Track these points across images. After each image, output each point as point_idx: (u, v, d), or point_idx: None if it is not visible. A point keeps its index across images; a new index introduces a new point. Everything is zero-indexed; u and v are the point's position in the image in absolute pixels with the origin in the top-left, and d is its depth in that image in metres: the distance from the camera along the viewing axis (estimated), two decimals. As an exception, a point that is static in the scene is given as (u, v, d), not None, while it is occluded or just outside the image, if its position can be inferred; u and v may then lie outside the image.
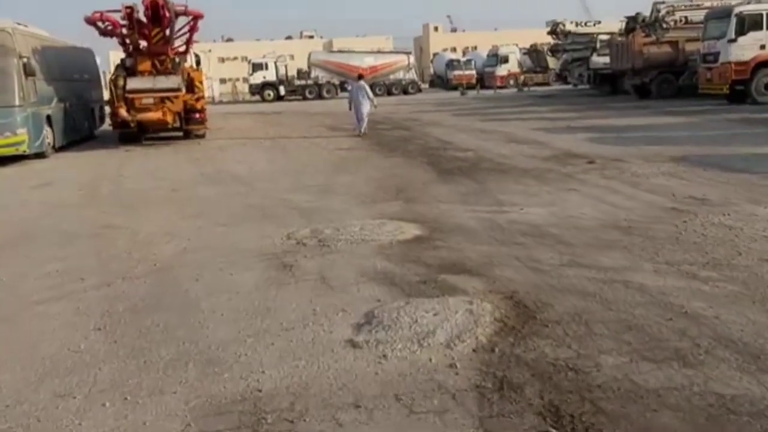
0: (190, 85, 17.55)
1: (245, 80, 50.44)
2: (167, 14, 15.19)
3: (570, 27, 34.38)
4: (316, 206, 7.81)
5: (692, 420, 2.63)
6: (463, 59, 54.90)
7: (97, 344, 3.84)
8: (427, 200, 7.81)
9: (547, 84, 46.34)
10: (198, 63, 23.58)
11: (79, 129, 18.92)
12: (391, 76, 44.98)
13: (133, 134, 17.36)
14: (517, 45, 53.74)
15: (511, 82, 47.08)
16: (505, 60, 48.94)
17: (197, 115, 17.74)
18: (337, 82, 45.31)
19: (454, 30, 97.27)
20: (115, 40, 17.24)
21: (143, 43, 16.74)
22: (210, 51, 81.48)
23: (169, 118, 16.82)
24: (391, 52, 52.71)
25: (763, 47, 19.11)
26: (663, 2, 24.43)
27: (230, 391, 3.12)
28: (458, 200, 7.69)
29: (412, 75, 46.80)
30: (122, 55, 17.77)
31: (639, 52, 25.48)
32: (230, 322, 4.04)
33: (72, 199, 9.49)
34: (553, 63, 45.93)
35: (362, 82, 17.76)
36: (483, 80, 48.26)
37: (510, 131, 16.11)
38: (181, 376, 3.33)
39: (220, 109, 37.27)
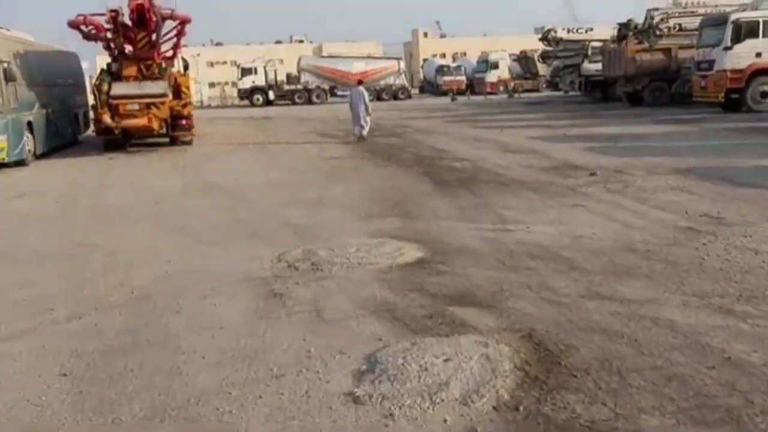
0: (177, 91, 17.04)
1: (234, 84, 49.85)
2: (153, 18, 14.72)
3: (561, 34, 34.12)
4: (309, 222, 7.35)
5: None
6: (453, 65, 54.67)
7: (61, 394, 3.36)
8: (426, 215, 7.38)
9: (537, 90, 46.18)
10: (186, 68, 23.03)
11: (62, 135, 18.32)
12: (382, 82, 44.59)
13: (117, 141, 16.82)
14: (506, 51, 53.61)
15: (502, 88, 46.89)
16: (496, 66, 48.78)
17: (184, 122, 17.22)
18: (326, 87, 44.93)
19: (443, 36, 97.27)
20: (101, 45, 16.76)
21: (128, 48, 16.23)
22: (199, 55, 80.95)
23: (155, 125, 16.30)
24: (381, 58, 52.38)
25: (759, 55, 18.87)
26: (656, 9, 24.23)
27: (212, 460, 2.66)
28: (459, 216, 7.26)
29: (402, 80, 46.46)
30: (109, 59, 17.24)
31: (632, 59, 25.25)
32: (213, 367, 3.57)
33: (48, 212, 8.96)
34: (543, 69, 45.80)
35: (361, 88, 17.67)
36: (473, 86, 48.03)
37: (505, 139, 15.74)
38: (155, 438, 2.87)
39: (208, 113, 36.71)
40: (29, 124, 15.08)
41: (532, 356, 3.44)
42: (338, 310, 4.39)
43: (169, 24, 16.41)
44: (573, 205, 7.52)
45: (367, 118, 16.97)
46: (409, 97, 45.91)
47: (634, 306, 4.15)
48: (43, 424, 3.07)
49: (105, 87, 16.00)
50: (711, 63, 19.65)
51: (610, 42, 29.60)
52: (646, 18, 24.54)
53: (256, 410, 3.05)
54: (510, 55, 51.57)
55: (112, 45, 16.01)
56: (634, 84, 25.72)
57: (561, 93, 38.78)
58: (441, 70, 52.76)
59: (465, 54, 68.73)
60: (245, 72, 45.37)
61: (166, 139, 17.70)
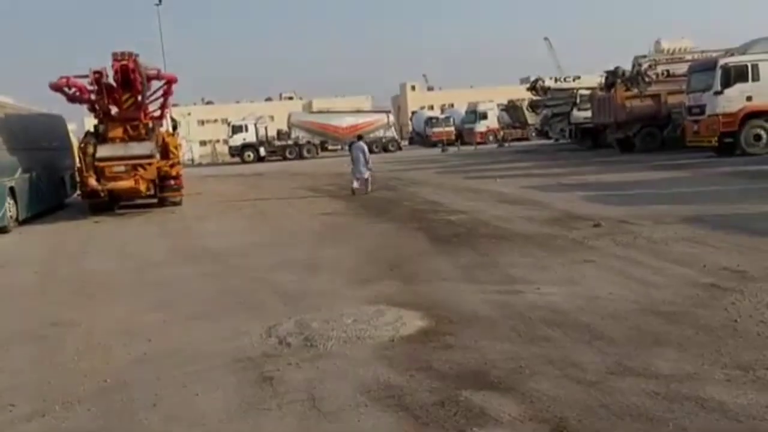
0: (165, 151, 16.74)
1: (225, 142, 49.96)
2: (139, 79, 14.51)
3: (549, 83, 34.52)
4: (301, 288, 6.85)
5: None
6: (441, 116, 55.25)
7: None
8: (427, 277, 6.90)
9: (526, 139, 46.47)
10: (175, 127, 22.93)
11: (47, 199, 17.86)
12: (372, 135, 44.69)
13: (104, 203, 16.39)
14: (493, 101, 54.26)
15: (491, 137, 47.18)
16: (484, 116, 49.25)
17: (172, 182, 16.86)
18: (317, 142, 45.05)
19: (430, 88, 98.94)
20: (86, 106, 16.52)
21: (114, 109, 16.01)
22: (189, 114, 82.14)
23: (142, 187, 15.90)
24: (370, 111, 52.91)
25: (749, 98, 18.89)
26: (644, 56, 24.46)
27: None
28: (462, 276, 6.79)
29: (392, 133, 46.73)
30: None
31: (622, 106, 25.38)
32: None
33: (24, 284, 8.42)
34: (531, 118, 46.21)
35: (361, 143, 17.87)
36: (462, 136, 48.33)
37: (500, 190, 15.42)
38: None
39: (199, 171, 36.52)
40: (11, 189, 14.64)
41: (568, 457, 2.92)
42: (336, 397, 3.85)
43: (156, 84, 16.29)
44: (583, 260, 7.07)
45: (368, 172, 17.06)
46: (400, 149, 46.08)
47: (673, 384, 3.65)
48: None
49: (90, 149, 15.68)
50: (702, 108, 19.65)
51: (598, 89, 29.84)
52: (633, 65, 24.76)
53: None
54: (498, 105, 52.16)
55: (97, 107, 15.76)
56: (625, 130, 25.78)
57: (551, 141, 38.96)
58: (430, 121, 53.26)
59: (452, 105, 69.68)
60: (236, 129, 45.56)
61: (155, 200, 17.30)
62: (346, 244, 9.47)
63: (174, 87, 16.26)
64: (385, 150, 44.53)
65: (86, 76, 14.73)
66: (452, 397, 3.71)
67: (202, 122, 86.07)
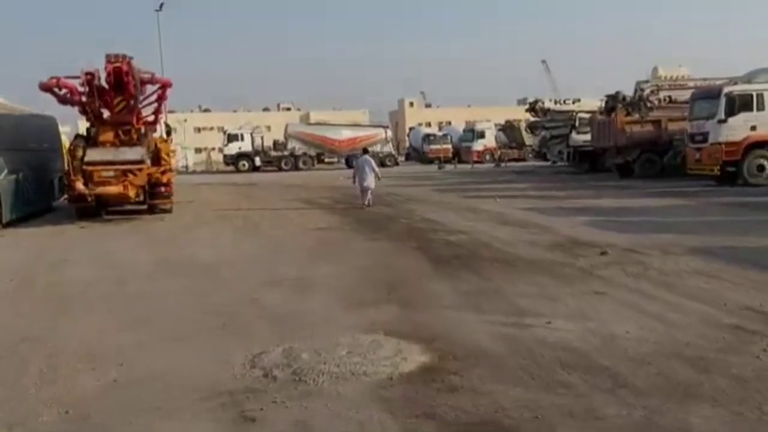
0: (157, 157, 16.27)
1: (220, 150, 49.51)
2: (132, 82, 14.08)
3: (549, 105, 34.31)
4: (291, 310, 6.37)
5: None
6: (439, 133, 55.00)
7: None
8: (428, 303, 6.44)
9: (523, 160, 46.19)
10: (169, 133, 22.45)
11: (34, 202, 17.29)
12: (370, 149, 44.35)
13: (91, 208, 15.85)
14: (490, 121, 54.14)
15: (488, 157, 46.90)
16: (482, 135, 48.96)
17: (162, 189, 16.36)
18: (313, 154, 44.68)
19: (428, 105, 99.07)
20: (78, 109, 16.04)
21: (106, 112, 15.54)
22: (186, 120, 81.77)
23: (131, 193, 15.38)
24: (368, 126, 52.65)
25: (753, 128, 18.62)
26: (646, 81, 24.26)
27: None
28: (466, 304, 6.32)
29: (389, 148, 46.38)
30: (91, 124, 16.49)
31: (622, 131, 25.09)
32: None
33: (-4, 294, 7.89)
34: (528, 139, 46.06)
35: (368, 156, 17.81)
36: (459, 154, 48.04)
37: (500, 210, 15.02)
38: None
39: (193, 179, 36.02)
40: (-6, 190, 14.12)
41: None
42: (327, 447, 3.37)
43: (151, 88, 15.85)
44: (593, 292, 6.63)
45: (373, 185, 16.99)
46: (396, 164, 45.69)
47: (716, 448, 3.20)
48: None
49: (79, 153, 15.20)
50: (705, 135, 19.36)
51: (598, 113, 29.61)
52: (636, 90, 24.54)
53: None
54: (495, 124, 52.00)
55: (88, 109, 15.29)
56: (624, 155, 25.48)
57: (548, 163, 38.68)
58: (427, 138, 52.95)
59: (450, 123, 69.64)
60: (231, 138, 45.15)
61: (145, 207, 16.78)
62: (340, 262, 9.00)
63: (168, 92, 15.83)
64: (382, 165, 43.90)
65: (78, 77, 14.27)
66: (460, 453, 3.24)
67: (198, 129, 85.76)
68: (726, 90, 18.94)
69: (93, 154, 15.22)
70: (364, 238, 11.42)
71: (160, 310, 6.64)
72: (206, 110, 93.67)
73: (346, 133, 45.49)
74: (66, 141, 22.02)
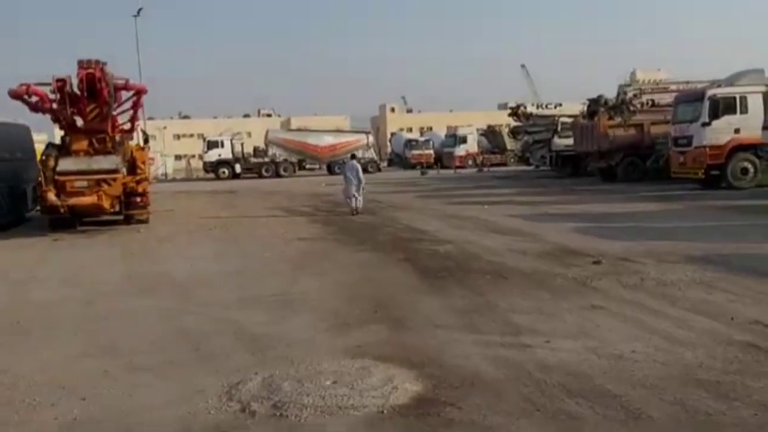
0: (133, 166, 15.73)
1: (200, 157, 48.71)
2: (105, 88, 13.55)
3: (531, 109, 34.21)
4: (271, 333, 5.94)
5: None
6: (421, 139, 54.78)
7: None
8: (418, 322, 6.04)
9: (505, 165, 46.12)
10: (146, 141, 21.88)
11: (5, 213, 16.65)
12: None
13: (65, 220, 15.25)
14: (472, 125, 54.05)
15: (470, 162, 46.76)
16: (464, 140, 48.79)
17: (138, 199, 15.83)
18: (294, 160, 44.15)
19: (409, 111, 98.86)
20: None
21: (79, 120, 14.97)
22: (165, 128, 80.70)
23: (106, 203, 14.79)
24: (350, 132, 52.24)
25: (737, 131, 18.56)
26: (629, 85, 24.18)
27: None
28: (458, 323, 5.94)
29: (371, 154, 45.98)
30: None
31: (605, 135, 25.00)
32: None
33: (-46, 316, 7.35)
34: (510, 144, 46.01)
35: (355, 162, 17.70)
36: (441, 160, 47.87)
37: (486, 217, 14.70)
38: None
39: (172, 187, 35.36)
40: (-41, 201, 13.49)
41: None
42: (312, 500, 2.96)
43: (126, 95, 15.33)
44: (591, 306, 6.29)
45: (361, 192, 16.80)
46: (379, 170, 45.33)
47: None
48: None
49: (51, 162, 14.61)
50: (689, 139, 19.29)
51: (580, 117, 29.54)
52: (618, 94, 24.45)
53: None
54: (477, 129, 51.91)
55: (61, 117, 14.71)
56: (607, 159, 25.39)
57: (530, 168, 38.60)
58: (409, 144, 52.72)
59: (431, 128, 69.47)
60: (211, 145, 44.42)
61: (121, 217, 16.21)
62: (324, 277, 8.58)
63: (144, 99, 15.32)
64: (365, 171, 43.44)
65: (48, 84, 13.70)
66: (464, 506, 2.85)
67: (178, 136, 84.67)
68: (709, 93, 18.88)
69: (65, 164, 14.65)
70: (347, 250, 11.02)
71: (129, 333, 6.17)
72: (186, 117, 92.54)
73: (328, 139, 45.03)
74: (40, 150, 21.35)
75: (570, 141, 29.59)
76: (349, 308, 6.69)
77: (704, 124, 18.71)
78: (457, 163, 45.53)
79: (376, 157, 47.21)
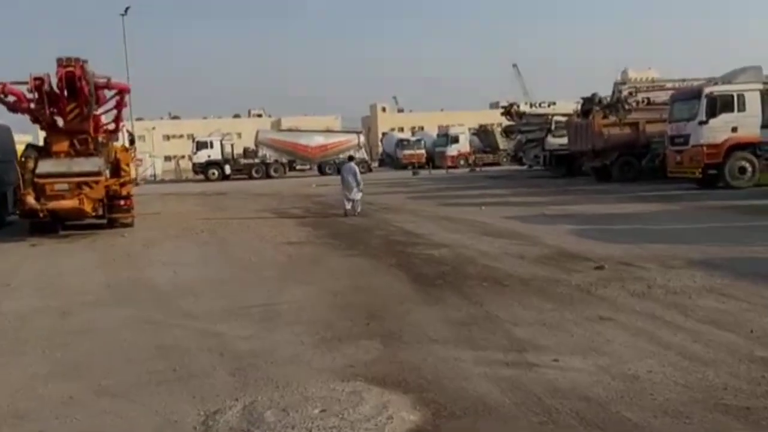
0: (116, 168, 15.22)
1: (190, 158, 48.10)
2: (86, 87, 13.03)
3: (525, 108, 33.87)
4: (255, 348, 5.50)
5: None
6: (412, 139, 54.37)
7: None
8: (413, 336, 5.61)
9: (497, 164, 45.82)
10: (132, 142, 21.37)
11: (-17, 217, 16.14)
12: (342, 155, 43.50)
13: (46, 224, 14.72)
14: (464, 125, 53.75)
15: (462, 162, 46.43)
16: (456, 140, 48.46)
17: (122, 202, 15.32)
18: (285, 161, 43.67)
19: (400, 110, 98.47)
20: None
21: (59, 120, 14.45)
22: (154, 128, 79.94)
23: (88, 207, 14.25)
24: (341, 132, 51.79)
25: (735, 129, 18.25)
26: (624, 83, 23.86)
27: None
28: (456, 337, 5.52)
29: (362, 154, 45.53)
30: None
31: (599, 134, 24.64)
32: None
33: None
34: (502, 143, 45.69)
35: (352, 164, 17.40)
36: (433, 160, 47.52)
37: (481, 220, 14.30)
38: None
39: (161, 188, 34.81)
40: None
41: None
42: None
43: (110, 94, 14.81)
44: (598, 317, 5.89)
45: (359, 194, 16.61)
46: (370, 170, 44.91)
47: None
48: None
49: (30, 164, 14.09)
50: (686, 138, 18.96)
51: (575, 116, 29.20)
52: (614, 92, 24.11)
53: None
54: (469, 129, 51.57)
55: (40, 117, 14.18)
56: (602, 159, 25.05)
57: (523, 167, 38.26)
58: (401, 143, 52.31)
59: (422, 128, 69.10)
60: (200, 146, 43.87)
61: (105, 221, 15.70)
62: (313, 284, 8.14)
63: (128, 98, 14.84)
64: (356, 171, 43.30)
65: (26, 83, 13.16)
66: None
67: (167, 137, 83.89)
68: (707, 91, 18.56)
69: (45, 166, 14.12)
70: (338, 254, 10.58)
71: (102, 350, 5.71)
72: (175, 117, 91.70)
73: (319, 140, 44.59)
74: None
75: (564, 140, 29.23)
76: (339, 320, 6.26)
77: (701, 123, 18.39)
78: (449, 163, 45.19)
79: (367, 158, 46.81)
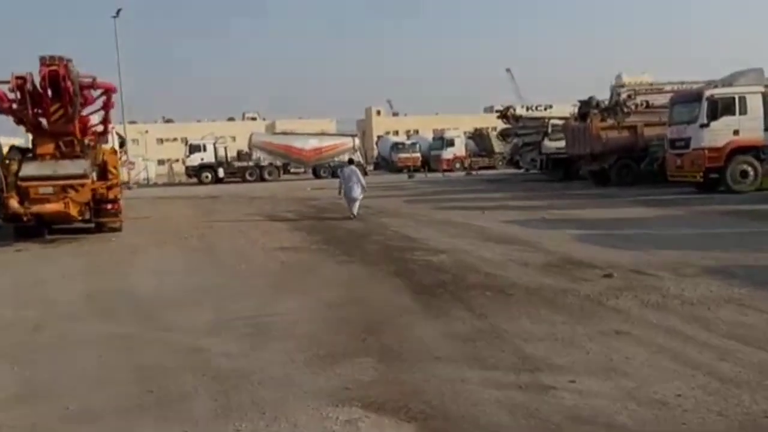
0: (103, 171, 14.73)
1: (183, 161, 47.59)
2: (70, 87, 12.55)
3: (521, 111, 33.52)
4: (240, 367, 5.02)
5: None
6: (408, 142, 54.01)
7: None
8: (414, 354, 5.15)
9: (493, 167, 45.50)
10: (122, 144, 20.91)
11: (-34, 222, 15.58)
12: (337, 159, 43.07)
13: (31, 228, 14.22)
14: (459, 129, 53.46)
15: (458, 165, 46.12)
16: (451, 143, 48.17)
17: (109, 206, 14.84)
18: (279, 164, 43.21)
19: (395, 114, 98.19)
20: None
21: (44, 121, 13.95)
22: (147, 132, 79.31)
23: (73, 211, 13.76)
24: (336, 135, 51.33)
25: (736, 132, 17.91)
26: (622, 86, 23.52)
27: None
28: (462, 354, 5.06)
29: (357, 157, 45.07)
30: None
31: (597, 137, 24.27)
32: None
33: None
34: (498, 147, 45.35)
35: (354, 167, 17.28)
36: (428, 163, 47.18)
37: (480, 224, 13.86)
38: None
39: (153, 192, 34.29)
40: None
41: None
42: None
43: (97, 95, 14.32)
44: (614, 332, 5.45)
45: (361, 195, 16.49)
46: (365, 173, 44.39)
47: None
48: None
49: (14, 167, 13.57)
50: (687, 141, 18.59)
51: (572, 119, 28.85)
52: (612, 95, 23.77)
53: None
54: (464, 132, 51.27)
55: (24, 118, 13.68)
56: (600, 162, 24.69)
57: (519, 171, 37.89)
58: (396, 147, 51.94)
59: (417, 131, 68.77)
60: (194, 149, 43.40)
61: (93, 225, 15.20)
62: (305, 295, 7.67)
63: (114, 98, 14.34)
64: (351, 174, 42.86)
65: (7, 82, 12.66)
66: None
67: (161, 140, 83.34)
68: (707, 93, 18.22)
69: (29, 169, 13.63)
70: (333, 262, 10.12)
71: (75, 369, 5.22)
72: (169, 120, 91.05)
73: (313, 143, 44.19)
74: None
75: (561, 143, 28.88)
76: (334, 335, 5.80)
77: (702, 126, 18.04)
78: (445, 167, 44.86)
79: (362, 161, 46.38)
